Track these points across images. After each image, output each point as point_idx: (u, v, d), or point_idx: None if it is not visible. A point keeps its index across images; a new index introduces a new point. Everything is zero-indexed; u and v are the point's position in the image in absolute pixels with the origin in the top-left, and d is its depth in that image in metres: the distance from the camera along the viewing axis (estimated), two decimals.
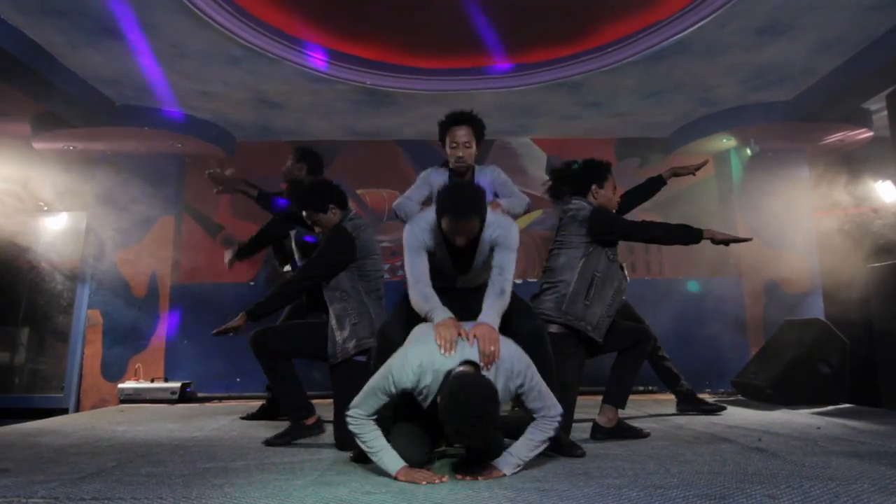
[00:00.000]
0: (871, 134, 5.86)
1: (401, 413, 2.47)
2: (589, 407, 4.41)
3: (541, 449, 2.33)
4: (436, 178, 3.30)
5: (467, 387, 2.09)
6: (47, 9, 4.03)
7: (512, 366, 2.28)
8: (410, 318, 2.65)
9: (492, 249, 2.66)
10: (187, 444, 3.10)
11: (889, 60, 4.48)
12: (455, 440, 2.13)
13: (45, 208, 6.38)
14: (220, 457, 2.73)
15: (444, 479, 2.16)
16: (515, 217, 3.05)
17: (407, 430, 2.41)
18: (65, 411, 5.58)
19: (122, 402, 5.48)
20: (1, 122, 5.66)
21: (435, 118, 3.30)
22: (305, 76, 5.08)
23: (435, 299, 2.53)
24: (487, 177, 3.32)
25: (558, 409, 2.32)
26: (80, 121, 5.45)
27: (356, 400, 2.28)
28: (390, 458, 2.22)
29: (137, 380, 5.70)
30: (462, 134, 3.18)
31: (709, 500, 1.83)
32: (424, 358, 2.24)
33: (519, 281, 6.10)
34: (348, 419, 2.27)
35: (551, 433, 2.31)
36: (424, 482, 2.12)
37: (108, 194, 6.05)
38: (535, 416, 2.32)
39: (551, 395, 2.34)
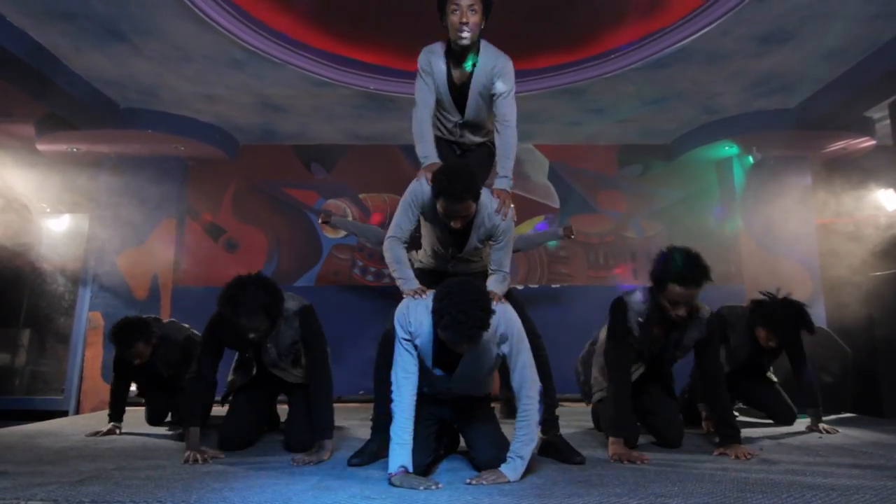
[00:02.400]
0: (873, 142, 5.86)
1: None
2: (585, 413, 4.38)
3: (535, 438, 2.34)
4: (429, 68, 2.91)
5: (460, 281, 2.23)
6: (53, 12, 4.05)
7: (501, 327, 2.34)
8: None
9: (488, 237, 2.76)
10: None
11: (892, 69, 4.48)
12: (450, 334, 2.14)
13: (48, 210, 6.40)
14: (220, 461, 2.73)
15: (440, 486, 2.15)
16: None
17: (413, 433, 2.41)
18: (65, 413, 5.57)
19: None
20: (5, 123, 5.68)
21: None
22: (308, 80, 5.09)
23: (408, 269, 2.70)
24: (490, 64, 2.91)
25: (538, 385, 2.35)
26: (83, 123, 5.47)
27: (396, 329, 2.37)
28: (397, 456, 2.21)
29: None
30: None
31: None
32: (416, 304, 2.38)
33: (520, 286, 6.10)
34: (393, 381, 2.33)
35: (537, 418, 2.32)
36: (422, 488, 2.11)
37: (111, 196, 6.06)
38: (517, 399, 2.34)
39: (534, 370, 2.37)
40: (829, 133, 5.73)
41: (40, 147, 5.83)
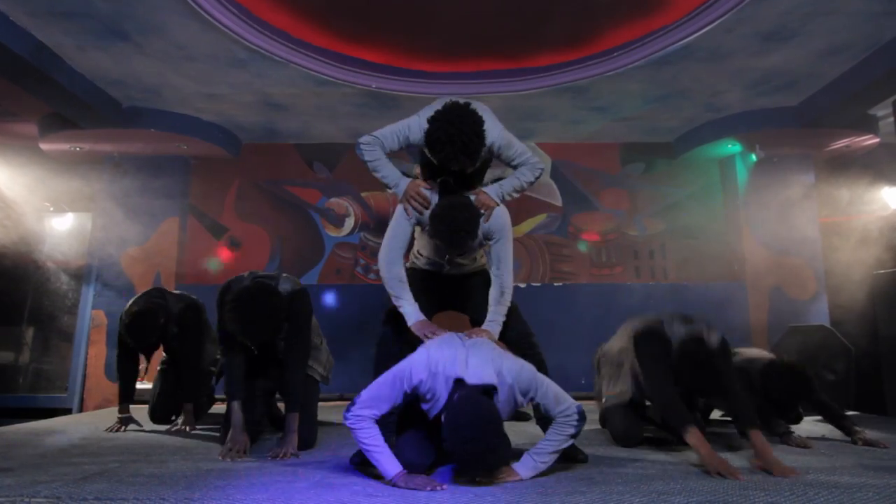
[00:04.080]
0: (877, 140, 5.84)
1: (406, 418, 2.47)
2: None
3: (563, 447, 2.31)
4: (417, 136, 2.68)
5: (470, 416, 2.05)
6: (56, 11, 4.06)
7: (517, 383, 2.29)
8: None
9: (485, 237, 2.71)
10: (190, 446, 3.11)
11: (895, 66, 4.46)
12: (460, 469, 2.14)
13: (51, 209, 6.42)
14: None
15: (444, 488, 2.09)
16: (529, 185, 2.78)
17: (412, 433, 2.41)
18: (68, 411, 5.59)
19: None
20: (9, 122, 5.70)
21: None
22: (311, 79, 5.09)
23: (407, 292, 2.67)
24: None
25: (576, 406, 2.32)
26: (86, 122, 5.48)
27: (363, 398, 2.24)
28: (388, 461, 2.17)
29: (141, 380, 5.69)
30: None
31: None
32: (439, 358, 2.27)
33: (522, 285, 6.10)
34: (349, 417, 2.22)
35: (572, 431, 2.29)
36: (427, 489, 2.07)
37: (114, 195, 6.08)
38: (555, 417, 2.31)
39: (566, 395, 2.34)
40: (832, 131, 5.71)
41: (43, 146, 5.85)
